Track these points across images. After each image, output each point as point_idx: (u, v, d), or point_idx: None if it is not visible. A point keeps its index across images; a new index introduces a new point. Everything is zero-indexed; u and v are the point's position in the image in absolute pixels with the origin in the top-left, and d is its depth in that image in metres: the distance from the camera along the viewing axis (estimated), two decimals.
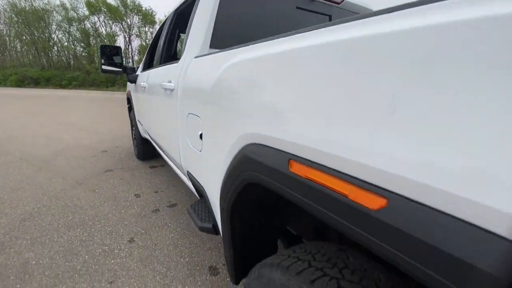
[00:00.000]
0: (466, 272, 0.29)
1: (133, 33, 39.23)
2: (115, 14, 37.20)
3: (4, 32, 39.03)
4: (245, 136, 0.73)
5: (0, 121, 7.01)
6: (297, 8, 1.67)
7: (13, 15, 36.38)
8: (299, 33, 0.61)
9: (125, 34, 39.06)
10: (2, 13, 37.09)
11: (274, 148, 0.61)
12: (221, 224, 0.99)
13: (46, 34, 37.70)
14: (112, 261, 1.77)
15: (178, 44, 2.81)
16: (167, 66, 1.78)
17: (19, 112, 9.12)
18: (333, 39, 0.49)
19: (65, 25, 37.78)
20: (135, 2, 37.98)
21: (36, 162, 3.69)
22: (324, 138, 0.48)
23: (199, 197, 1.49)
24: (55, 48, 38.72)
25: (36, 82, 31.48)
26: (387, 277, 0.57)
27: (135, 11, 38.33)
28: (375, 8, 2.04)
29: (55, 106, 11.62)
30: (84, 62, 36.08)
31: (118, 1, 37.11)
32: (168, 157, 2.13)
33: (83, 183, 3.05)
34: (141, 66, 3.31)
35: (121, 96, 16.78)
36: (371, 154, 0.39)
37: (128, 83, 3.78)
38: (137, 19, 39.08)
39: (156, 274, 1.66)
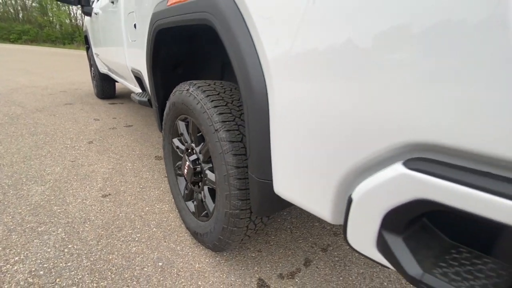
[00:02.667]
0: None
1: None
2: None
3: None
4: (153, 4, 1.16)
5: None
6: None
7: None
8: None
9: None
10: None
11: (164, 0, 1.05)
12: (149, 83, 1.44)
13: None
14: (73, 152, 2.17)
15: None
16: None
17: None
18: None
19: None
20: None
21: None
22: None
23: (141, 90, 1.91)
24: None
25: None
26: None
27: None
28: None
29: (5, 56, 10.73)
30: (36, 14, 32.16)
31: None
32: (119, 74, 2.47)
33: (43, 110, 3.28)
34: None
35: (80, 53, 15.74)
36: None
37: (85, 20, 3.86)
38: None
39: (111, 158, 2.10)
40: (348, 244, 0.55)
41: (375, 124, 0.45)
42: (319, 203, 0.59)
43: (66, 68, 8.07)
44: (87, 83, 5.38)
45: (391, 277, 1.17)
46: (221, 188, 0.92)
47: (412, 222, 0.48)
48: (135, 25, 1.51)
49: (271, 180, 0.71)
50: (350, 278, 1.15)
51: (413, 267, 0.43)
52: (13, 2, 33.95)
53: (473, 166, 0.38)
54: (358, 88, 0.46)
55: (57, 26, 30.97)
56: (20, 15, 33.22)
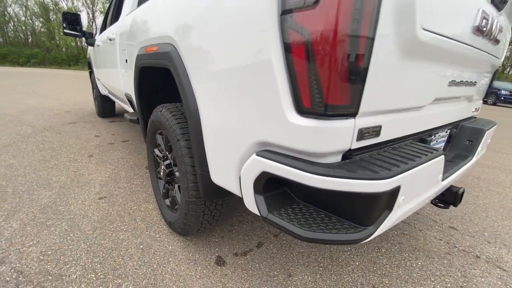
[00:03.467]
0: None
1: (97, 9, 37.09)
2: None
3: None
4: (138, 45, 1.55)
5: None
6: None
7: None
8: None
9: (88, 10, 36.86)
10: None
11: (143, 47, 1.43)
12: (137, 105, 1.80)
13: (1, 8, 34.44)
14: (76, 164, 2.51)
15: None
16: (113, 25, 2.50)
17: None
18: None
19: None
20: None
21: (5, 117, 4.18)
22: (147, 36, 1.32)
23: (133, 110, 2.28)
24: (11, 23, 35.62)
25: None
26: None
27: None
28: None
29: (15, 79, 11.36)
30: (44, 39, 33.68)
31: None
32: (116, 96, 2.85)
33: (49, 129, 3.66)
34: (98, 31, 3.90)
35: (84, 74, 16.49)
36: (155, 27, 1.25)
37: (89, 48, 4.33)
38: None
39: (107, 168, 2.44)
40: (247, 208, 0.88)
41: (240, 133, 0.79)
42: (231, 184, 0.92)
43: (70, 89, 8.60)
44: (89, 103, 5.82)
45: (325, 254, 1.47)
46: (182, 183, 1.25)
47: (275, 189, 0.82)
48: (126, 60, 1.89)
49: (208, 172, 1.04)
50: (291, 256, 1.45)
51: (264, 211, 0.76)
52: (23, 28, 35.64)
53: (282, 151, 0.71)
54: (230, 115, 0.82)
55: (63, 49, 32.37)
56: (30, 40, 34.79)
